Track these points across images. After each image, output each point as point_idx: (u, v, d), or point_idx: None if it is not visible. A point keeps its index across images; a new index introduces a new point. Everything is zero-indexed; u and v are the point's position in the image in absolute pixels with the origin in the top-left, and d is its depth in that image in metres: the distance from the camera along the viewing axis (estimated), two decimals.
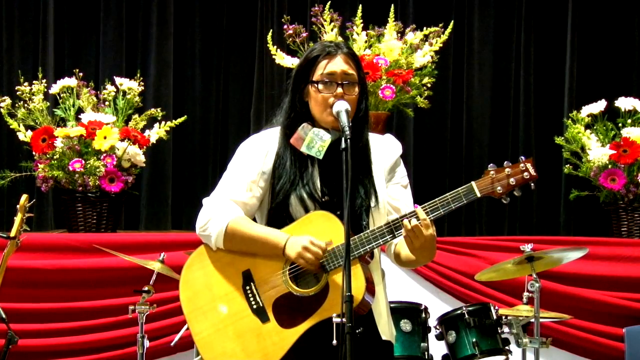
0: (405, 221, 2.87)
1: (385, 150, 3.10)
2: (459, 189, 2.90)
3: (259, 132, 3.13)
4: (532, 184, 2.92)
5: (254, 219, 3.09)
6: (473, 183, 2.91)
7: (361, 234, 2.92)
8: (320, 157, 2.97)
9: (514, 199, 2.94)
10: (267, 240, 2.95)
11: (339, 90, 2.96)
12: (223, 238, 2.98)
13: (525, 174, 2.90)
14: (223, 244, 2.99)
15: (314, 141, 2.97)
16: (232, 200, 3.02)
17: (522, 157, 2.93)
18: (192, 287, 3.04)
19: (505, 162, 2.93)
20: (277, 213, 3.01)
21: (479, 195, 2.89)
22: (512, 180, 2.89)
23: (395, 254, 3.09)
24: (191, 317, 3.03)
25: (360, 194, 2.98)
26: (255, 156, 3.05)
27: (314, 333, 2.90)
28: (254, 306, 2.96)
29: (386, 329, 3.03)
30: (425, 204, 2.91)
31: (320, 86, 2.97)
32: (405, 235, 2.88)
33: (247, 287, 2.98)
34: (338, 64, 2.99)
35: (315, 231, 2.92)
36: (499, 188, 2.89)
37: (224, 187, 3.05)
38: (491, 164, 2.92)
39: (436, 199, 2.90)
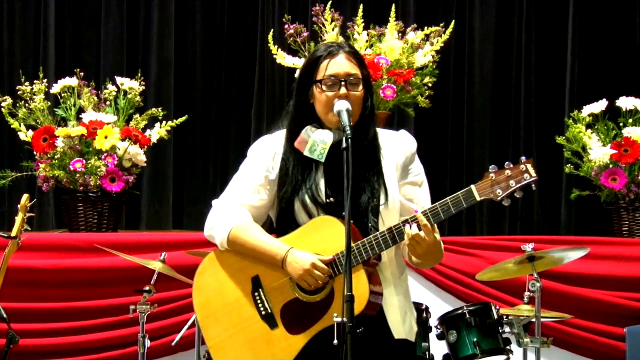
0: (407, 227, 2.85)
1: (398, 146, 3.07)
2: (459, 193, 2.87)
3: (271, 133, 3.13)
4: (534, 186, 2.84)
5: (269, 221, 3.10)
6: (473, 187, 2.87)
7: (364, 239, 2.91)
8: (322, 160, 2.96)
9: (514, 199, 2.89)
10: (266, 251, 2.97)
11: (343, 90, 2.94)
12: (227, 244, 3.01)
13: (526, 175, 2.83)
14: (228, 247, 3.02)
15: (316, 144, 2.97)
16: (240, 203, 3.03)
17: (523, 158, 2.87)
18: (204, 293, 3.06)
19: (506, 162, 2.88)
20: (283, 219, 3.03)
21: (478, 199, 2.85)
22: (511, 183, 2.83)
23: (408, 255, 3.06)
24: (205, 324, 3.06)
25: (366, 193, 2.96)
26: (263, 159, 3.05)
27: (320, 337, 2.91)
28: (263, 312, 2.98)
29: (399, 327, 3.00)
30: (426, 209, 2.89)
31: (324, 86, 2.96)
32: (407, 242, 2.86)
33: (256, 293, 3.00)
34: (340, 63, 2.97)
35: (320, 238, 2.93)
36: (498, 191, 2.84)
37: (233, 189, 3.07)
38: (492, 165, 2.87)
39: (437, 203, 2.88)
